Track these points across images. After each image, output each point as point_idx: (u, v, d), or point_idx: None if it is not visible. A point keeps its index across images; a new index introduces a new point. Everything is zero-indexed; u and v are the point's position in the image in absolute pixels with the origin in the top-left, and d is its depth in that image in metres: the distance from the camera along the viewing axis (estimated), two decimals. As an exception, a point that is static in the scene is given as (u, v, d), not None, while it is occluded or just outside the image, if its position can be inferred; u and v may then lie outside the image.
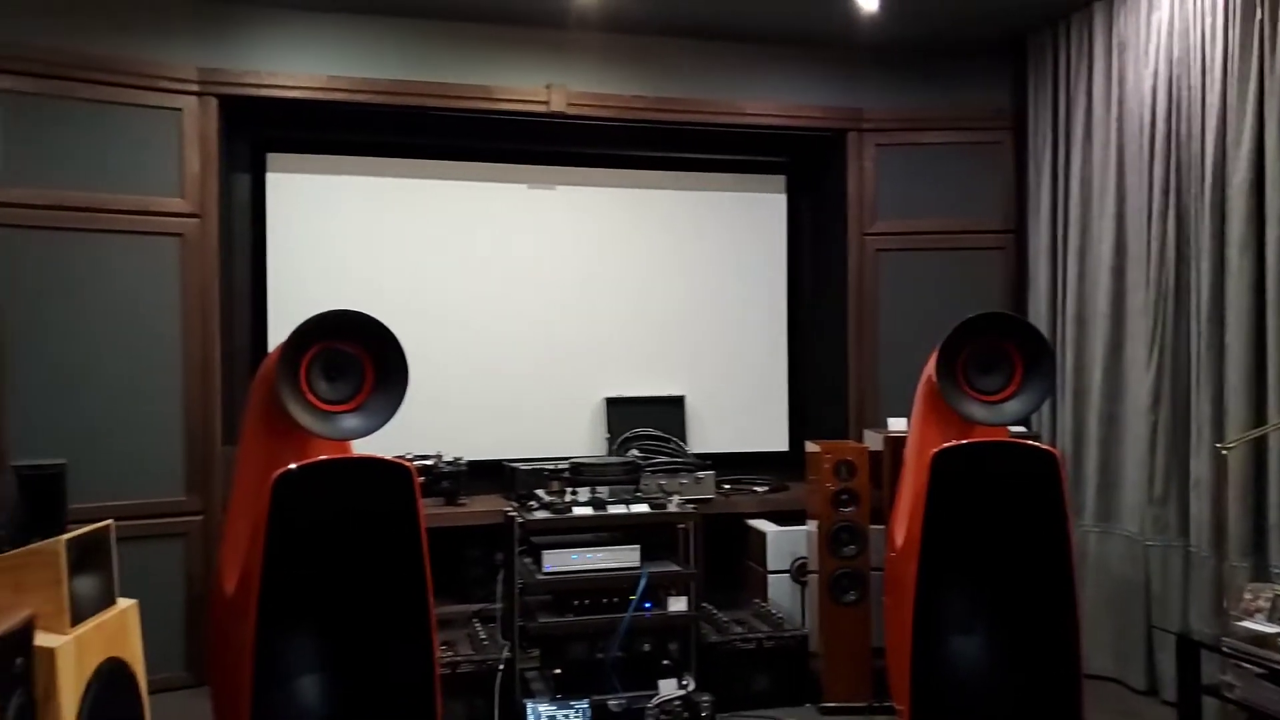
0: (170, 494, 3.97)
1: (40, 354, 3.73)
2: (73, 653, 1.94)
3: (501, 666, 3.50)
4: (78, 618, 2.01)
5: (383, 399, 2.61)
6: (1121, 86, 3.99)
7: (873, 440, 4.09)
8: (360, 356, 2.62)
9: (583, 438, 4.86)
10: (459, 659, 3.48)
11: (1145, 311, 3.81)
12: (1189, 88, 3.64)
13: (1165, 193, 3.73)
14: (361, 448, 2.86)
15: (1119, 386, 3.98)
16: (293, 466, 2.51)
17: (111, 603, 2.19)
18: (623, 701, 3.52)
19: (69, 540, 2.04)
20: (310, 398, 2.53)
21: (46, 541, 2.01)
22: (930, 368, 3.20)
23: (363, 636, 2.76)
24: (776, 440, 5.07)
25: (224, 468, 4.05)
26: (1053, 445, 4.27)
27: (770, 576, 4.27)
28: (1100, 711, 3.57)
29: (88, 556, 2.12)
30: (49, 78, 3.75)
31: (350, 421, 2.55)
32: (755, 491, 4.67)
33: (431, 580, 2.71)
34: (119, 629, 2.18)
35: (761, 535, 4.34)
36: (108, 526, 2.23)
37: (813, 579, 3.93)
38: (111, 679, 2.10)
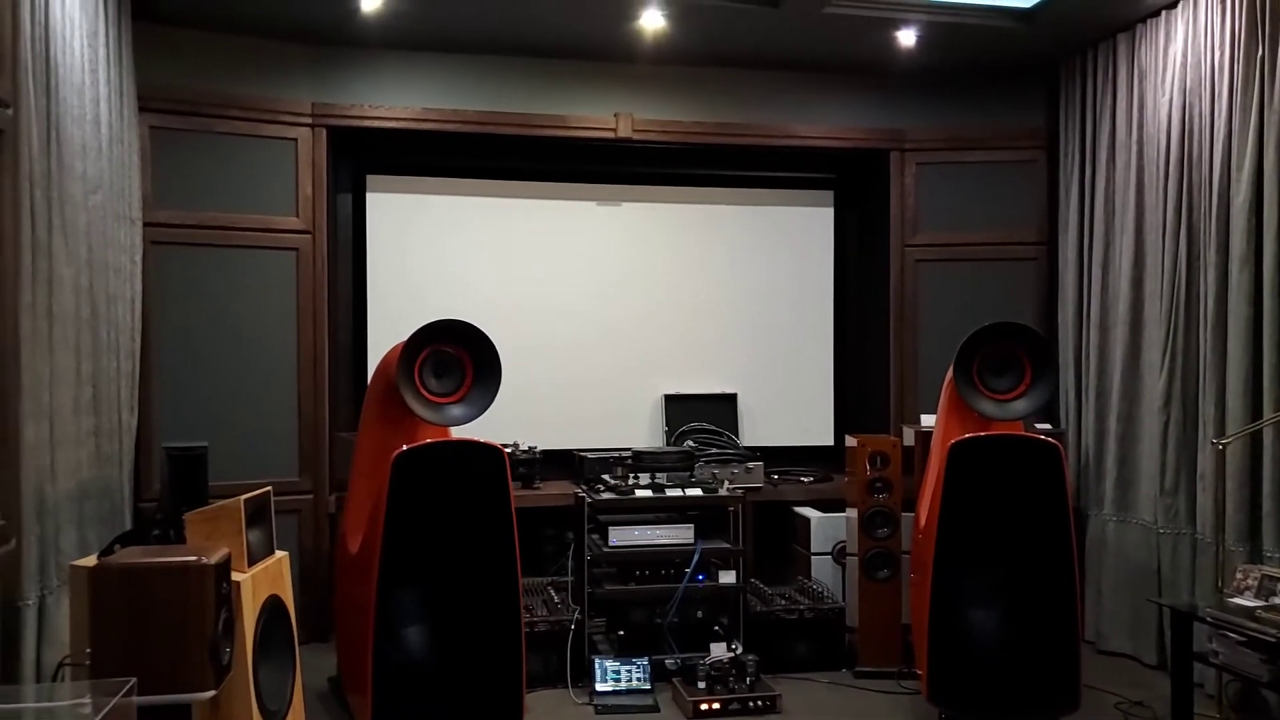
0: (287, 475, 4.53)
1: (180, 352, 4.35)
2: (250, 587, 2.49)
3: (572, 627, 4.00)
4: (251, 561, 2.57)
5: (481, 391, 3.13)
6: (1141, 112, 4.34)
7: (907, 435, 4.50)
8: (462, 357, 3.15)
9: (643, 430, 5.35)
10: (536, 620, 3.99)
11: (1160, 320, 4.16)
12: (1200, 115, 3.98)
13: (1178, 211, 4.08)
14: (453, 435, 3.40)
15: (1136, 388, 4.33)
16: (406, 447, 3.04)
17: (271, 552, 2.75)
18: (677, 661, 4.01)
19: (246, 499, 2.59)
20: (423, 391, 3.07)
21: (230, 500, 2.57)
22: (952, 369, 3.62)
23: (460, 594, 3.27)
24: (822, 435, 5.50)
25: (332, 452, 4.64)
26: (1077, 443, 4.65)
27: (814, 558, 4.71)
28: (1114, 684, 3.95)
29: (256, 514, 2.68)
30: (191, 115, 4.36)
31: (456, 410, 3.09)
32: (801, 482, 5.11)
33: (518, 545, 3.22)
34: (277, 573, 2.74)
35: (806, 521, 4.78)
36: (268, 492, 2.79)
37: (851, 560, 4.36)
38: (273, 612, 2.66)
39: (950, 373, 3.61)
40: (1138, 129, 4.36)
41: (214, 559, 2.16)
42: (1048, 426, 4.55)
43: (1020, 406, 3.44)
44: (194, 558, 2.13)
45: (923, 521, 3.64)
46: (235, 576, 2.41)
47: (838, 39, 4.55)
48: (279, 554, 2.80)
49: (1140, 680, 4.04)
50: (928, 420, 4.33)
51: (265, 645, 2.58)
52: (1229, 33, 3.82)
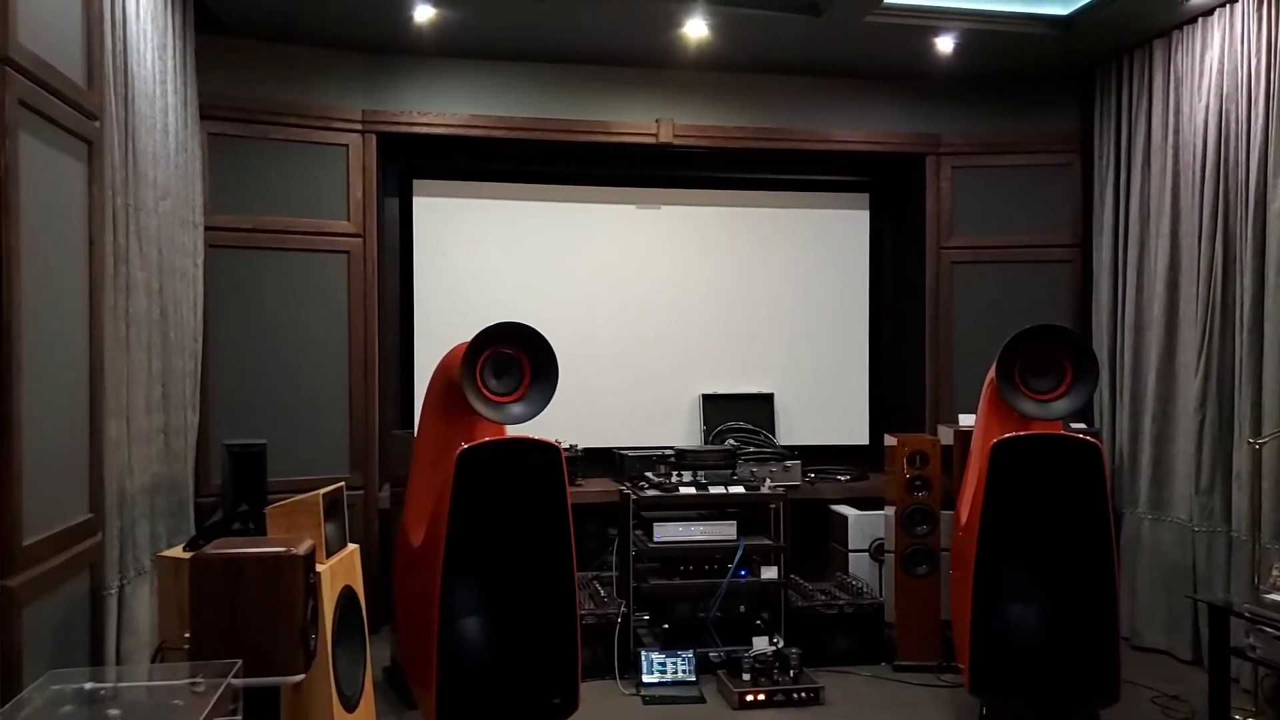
0: (338, 471, 4.65)
1: (236, 352, 4.48)
2: (329, 578, 2.62)
3: (619, 621, 4.11)
4: (329, 553, 2.69)
5: (539, 391, 3.24)
6: (1177, 117, 4.41)
7: (945, 434, 4.58)
8: (520, 357, 3.27)
9: (680, 430, 5.45)
10: (583, 613, 4.08)
11: (1195, 322, 4.23)
12: (1236, 121, 4.04)
13: (1214, 215, 4.14)
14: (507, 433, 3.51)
15: (1171, 389, 4.40)
16: (469, 444, 3.16)
17: (345, 545, 2.88)
18: (721, 654, 4.12)
19: (324, 494, 2.72)
20: (484, 391, 3.19)
21: (309, 494, 2.70)
22: (994, 371, 3.70)
23: (517, 585, 3.37)
24: (858, 434, 5.59)
25: (382, 449, 4.78)
26: (1111, 442, 4.72)
27: (851, 555, 4.81)
28: (1150, 679, 4.03)
29: (331, 508, 2.81)
30: (247, 122, 4.50)
31: (516, 409, 3.20)
32: (838, 480, 5.21)
33: (574, 538, 3.33)
34: (350, 565, 2.87)
35: (843, 518, 4.88)
36: (341, 487, 2.92)
37: (889, 557, 4.45)
38: (348, 601, 2.78)
39: (992, 373, 3.70)
40: (1173, 134, 4.43)
41: (302, 550, 2.29)
42: (1083, 426, 4.62)
43: (1061, 406, 3.52)
44: (285, 549, 2.26)
45: (964, 519, 3.72)
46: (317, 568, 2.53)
47: (877, 46, 4.63)
48: (351, 546, 2.92)
49: (1175, 675, 4.11)
50: (966, 420, 4.41)
51: (340, 633, 2.70)
52: (1265, 40, 3.88)
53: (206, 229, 4.31)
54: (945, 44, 4.55)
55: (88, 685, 1.84)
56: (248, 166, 4.54)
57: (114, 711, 1.72)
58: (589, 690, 3.88)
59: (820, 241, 5.57)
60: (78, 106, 2.68)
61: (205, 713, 1.71)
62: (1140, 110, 4.64)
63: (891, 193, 5.62)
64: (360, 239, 4.75)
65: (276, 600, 2.22)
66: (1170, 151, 4.44)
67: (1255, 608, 3.26)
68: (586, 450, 5.07)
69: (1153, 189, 4.56)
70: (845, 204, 5.62)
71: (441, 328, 4.98)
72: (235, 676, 1.94)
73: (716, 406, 5.43)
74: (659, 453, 4.72)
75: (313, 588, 2.33)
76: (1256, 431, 3.83)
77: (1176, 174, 4.41)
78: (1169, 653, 4.34)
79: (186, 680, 1.86)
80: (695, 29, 4.37)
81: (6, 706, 1.80)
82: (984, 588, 3.50)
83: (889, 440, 4.43)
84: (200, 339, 4.14)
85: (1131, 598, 4.51)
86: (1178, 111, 4.41)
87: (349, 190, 4.74)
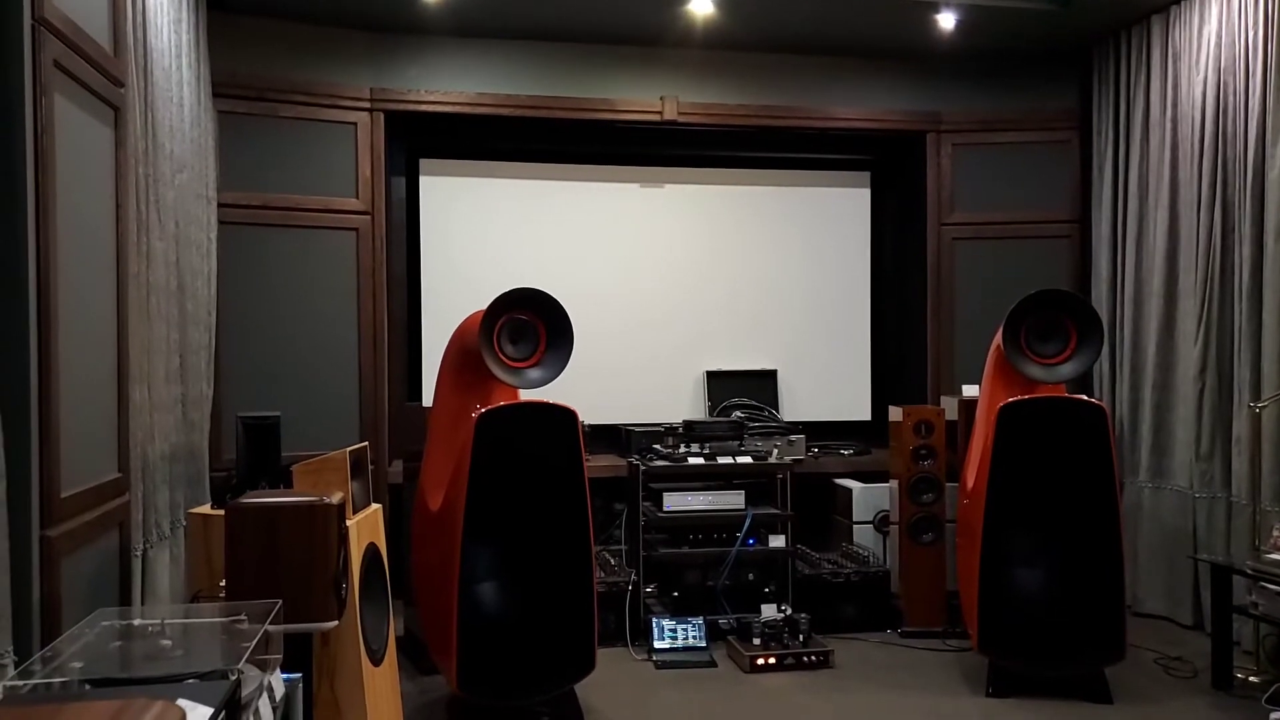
0: (348, 442, 4.68)
1: (247, 327, 4.52)
2: (355, 534, 2.67)
3: (629, 589, 4.17)
4: (355, 509, 2.74)
5: (555, 355, 3.30)
6: (1175, 91, 4.48)
7: (949, 407, 4.65)
8: (535, 323, 3.32)
9: (685, 406, 5.50)
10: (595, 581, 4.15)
11: (1194, 292, 4.31)
12: (1234, 93, 4.12)
13: (1212, 186, 4.22)
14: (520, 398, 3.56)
15: (1170, 358, 4.48)
16: (488, 408, 3.21)
17: (369, 504, 2.93)
18: (731, 621, 4.18)
19: (349, 452, 2.77)
20: (501, 357, 3.24)
21: (335, 453, 2.75)
22: (999, 337, 3.77)
23: (535, 548, 3.42)
24: (860, 410, 5.66)
25: (393, 421, 4.82)
26: (1112, 413, 4.79)
27: (855, 527, 4.87)
28: (1152, 642, 4.11)
29: (356, 467, 2.85)
30: (257, 100, 4.54)
31: (534, 374, 3.25)
32: (842, 454, 5.27)
33: (591, 502, 3.38)
34: (374, 523, 2.92)
35: (848, 491, 4.94)
36: (365, 447, 2.96)
37: (893, 528, 4.52)
38: (373, 558, 2.83)
39: (997, 339, 3.76)
40: (1172, 107, 4.50)
41: (335, 500, 2.34)
42: (1083, 398, 4.69)
43: (1067, 369, 3.59)
44: (318, 498, 2.30)
45: (970, 485, 3.78)
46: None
47: (880, 23, 4.69)
48: (375, 505, 2.98)
49: (1177, 640, 4.19)
50: (969, 390, 4.48)
51: (366, 589, 2.75)
52: (1263, 11, 3.95)
53: (218, 205, 4.35)
54: (947, 21, 4.60)
55: (136, 620, 1.88)
56: (257, 144, 4.57)
57: (166, 641, 1.77)
58: (602, 656, 3.89)
59: (822, 219, 5.63)
60: (105, 72, 2.72)
61: (252, 645, 1.76)
62: (1138, 85, 4.71)
63: (893, 170, 5.69)
64: (369, 216, 4.79)
65: (310, 549, 2.27)
66: (1169, 125, 4.51)
67: (1257, 565, 3.34)
68: (591, 427, 5.10)
69: (1151, 162, 4.63)
70: (847, 182, 5.68)
71: (447, 305, 5.01)
72: (278, 617, 1.99)
73: (721, 383, 5.49)
74: (666, 426, 4.77)
75: (344, 537, 2.38)
76: (1255, 396, 3.91)
77: (1175, 147, 4.48)
78: (1170, 618, 4.42)
79: (230, 617, 1.91)
80: (701, 6, 4.42)
81: (61, 637, 1.85)
82: (993, 544, 3.56)
83: (894, 413, 4.50)
84: (214, 313, 4.18)
85: (1133, 565, 4.58)
86: (1176, 85, 4.49)
87: (358, 168, 4.78)
